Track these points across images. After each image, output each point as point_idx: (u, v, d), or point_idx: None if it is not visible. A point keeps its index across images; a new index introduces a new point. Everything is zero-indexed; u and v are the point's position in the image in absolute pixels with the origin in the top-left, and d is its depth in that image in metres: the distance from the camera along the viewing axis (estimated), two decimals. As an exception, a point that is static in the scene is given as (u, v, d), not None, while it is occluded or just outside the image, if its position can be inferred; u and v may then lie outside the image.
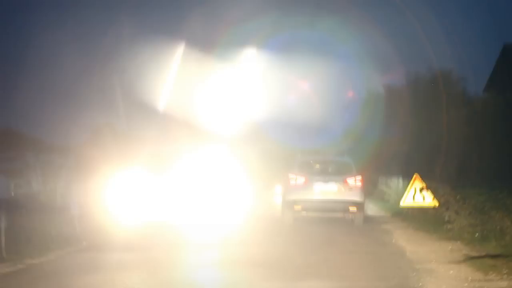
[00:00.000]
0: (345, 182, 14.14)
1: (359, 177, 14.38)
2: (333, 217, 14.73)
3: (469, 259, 8.38)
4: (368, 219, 15.44)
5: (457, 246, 9.73)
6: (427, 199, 14.88)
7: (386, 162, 36.01)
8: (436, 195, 13.94)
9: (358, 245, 10.22)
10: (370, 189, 43.42)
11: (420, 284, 6.73)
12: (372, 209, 20.72)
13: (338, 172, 14.68)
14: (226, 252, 9.31)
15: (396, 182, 29.51)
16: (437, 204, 14.60)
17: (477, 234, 10.07)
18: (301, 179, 14.18)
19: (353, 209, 13.91)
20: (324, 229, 12.65)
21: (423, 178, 15.27)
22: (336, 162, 16.02)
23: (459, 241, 10.15)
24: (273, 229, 13.09)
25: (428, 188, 14.85)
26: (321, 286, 6.67)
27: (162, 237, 10.88)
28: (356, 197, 14.04)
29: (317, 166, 15.39)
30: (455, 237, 10.55)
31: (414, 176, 15.27)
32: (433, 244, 10.10)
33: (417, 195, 15.01)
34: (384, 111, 41.95)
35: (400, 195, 23.45)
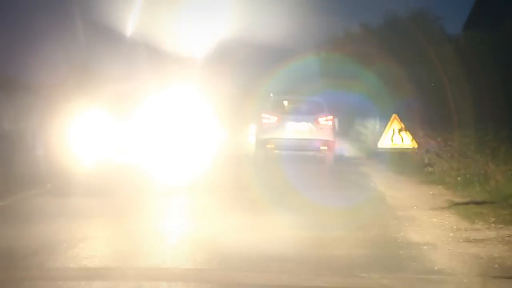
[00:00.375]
0: (316, 121, 14.42)
1: (330, 117, 14.68)
2: (306, 159, 14.31)
3: (453, 205, 7.82)
4: (344, 161, 14.97)
5: (439, 191, 9.20)
6: (406, 141, 14.34)
7: (364, 103, 35.64)
8: (415, 137, 13.38)
9: (335, 188, 9.63)
10: (346, 129, 43.42)
11: (402, 233, 6.12)
12: (348, 150, 20.19)
13: (310, 111, 14.89)
14: (194, 196, 8.64)
15: (373, 123, 29.12)
16: (416, 146, 14.09)
17: (459, 178, 9.53)
18: (273, 118, 14.40)
19: (324, 147, 14.27)
20: (297, 171, 12.03)
21: (402, 119, 14.70)
22: (308, 102, 16.16)
23: (441, 186, 9.61)
24: (245, 170, 12.68)
25: (407, 129, 14.30)
26: (294, 235, 6.00)
27: (127, 181, 10.05)
28: (327, 136, 14.30)
29: (290, 105, 15.67)
30: (436, 181, 10.01)
31: (393, 117, 14.67)
32: (413, 189, 9.56)
33: (396, 136, 14.47)
34: (362, 51, 41.25)
35: (377, 137, 23.08)
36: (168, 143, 12.07)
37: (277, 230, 6.10)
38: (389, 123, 14.70)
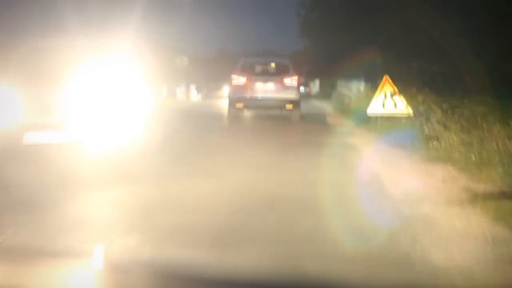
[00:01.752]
0: (282, 81, 15.35)
1: (295, 77, 15.56)
2: (282, 129, 12.59)
3: (474, 197, 5.88)
4: (328, 130, 13.08)
5: (450, 173, 7.25)
6: (399, 107, 12.42)
7: (347, 64, 33.58)
8: (414, 102, 11.43)
9: (318, 169, 7.64)
10: (327, 92, 41.43)
11: (418, 248, 4.21)
12: (331, 115, 18.27)
13: (277, 72, 15.92)
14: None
15: (357, 85, 27.15)
16: (411, 113, 12.18)
17: (473, 156, 7.61)
18: (242, 79, 15.42)
19: (289, 106, 15.19)
20: (273, 145, 10.10)
21: (396, 81, 12.74)
22: (275, 63, 16.86)
23: (450, 165, 7.67)
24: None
25: (400, 93, 12.35)
26: (267, 251, 4.08)
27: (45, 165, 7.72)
28: (292, 95, 15.27)
29: (258, 67, 16.45)
30: (443, 158, 8.06)
31: (384, 78, 12.69)
32: (417, 169, 7.61)
33: (388, 101, 12.53)
34: (342, 8, 39.00)
35: (363, 100, 21.18)
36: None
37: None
38: (380, 85, 12.74)
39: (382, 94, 12.56)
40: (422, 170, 7.55)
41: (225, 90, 34.46)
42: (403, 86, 12.08)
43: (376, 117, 12.78)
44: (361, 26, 33.96)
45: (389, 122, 12.87)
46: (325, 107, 24.82)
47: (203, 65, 59.91)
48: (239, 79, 15.52)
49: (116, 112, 7.33)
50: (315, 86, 57.08)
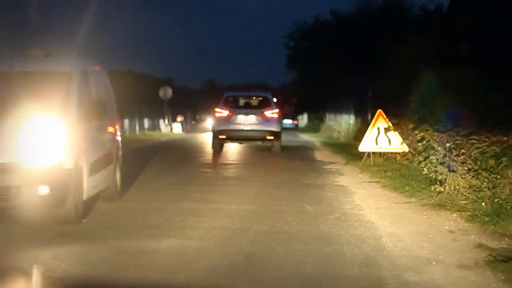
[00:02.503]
0: (263, 114, 15.83)
1: (275, 111, 16.08)
2: (267, 165, 11.54)
3: (494, 260, 4.76)
4: (316, 168, 12.00)
5: (458, 225, 6.15)
6: (394, 143, 11.38)
7: (336, 97, 32.73)
8: (411, 139, 10.38)
9: (303, 220, 6.49)
10: (315, 126, 40.54)
11: None
12: (320, 151, 17.20)
13: (258, 106, 16.63)
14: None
15: (347, 119, 26.22)
16: (406, 150, 11.14)
17: (484, 204, 6.53)
18: (225, 112, 15.90)
19: (270, 137, 15.71)
20: (255, 187, 8.99)
21: (389, 116, 11.74)
22: (256, 97, 17.67)
23: (457, 214, 6.59)
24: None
25: (395, 128, 11.33)
26: None
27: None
28: (273, 127, 15.74)
29: (240, 101, 17.16)
30: (449, 205, 6.98)
31: (377, 113, 11.70)
32: (419, 219, 6.50)
33: (381, 138, 11.51)
34: (333, 40, 38.38)
35: (353, 135, 20.18)
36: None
37: None
38: (373, 121, 11.74)
39: (375, 130, 11.54)
40: (425, 220, 6.45)
41: (209, 122, 33.27)
42: (398, 121, 11.05)
43: (369, 154, 11.73)
44: (351, 58, 33.37)
45: (382, 159, 11.83)
46: (314, 141, 23.76)
47: (191, 97, 59.10)
48: (222, 112, 16.04)
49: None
50: (303, 119, 56.29)
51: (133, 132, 28.03)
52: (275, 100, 17.33)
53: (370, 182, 9.55)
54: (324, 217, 6.56)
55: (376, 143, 11.50)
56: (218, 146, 16.06)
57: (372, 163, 11.40)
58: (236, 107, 16.44)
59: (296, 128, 52.92)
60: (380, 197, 8.09)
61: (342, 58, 34.35)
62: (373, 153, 11.75)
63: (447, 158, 7.59)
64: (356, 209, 7.10)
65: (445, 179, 7.39)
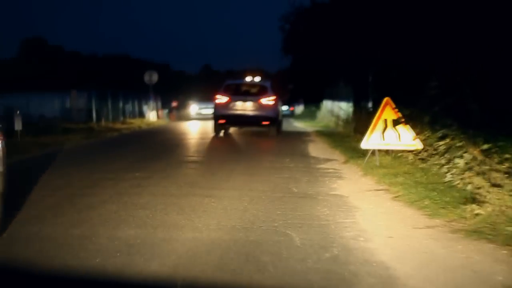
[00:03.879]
0: (259, 101, 17.15)
1: (272, 98, 17.33)
2: (251, 168, 9.38)
3: None
4: (308, 167, 9.90)
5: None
6: (405, 139, 9.31)
7: (334, 82, 30.55)
8: (427, 136, 8.32)
9: (285, 264, 4.42)
10: (312, 112, 38.38)
11: None
12: (315, 143, 15.12)
13: (256, 93, 17.70)
14: None
15: (346, 107, 24.09)
16: (419, 148, 9.09)
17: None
18: (225, 99, 17.33)
19: (266, 123, 17.15)
20: (237, 191, 6.89)
21: (399, 107, 9.67)
22: (254, 85, 18.66)
23: (508, 251, 4.54)
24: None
25: (407, 121, 9.27)
26: None
27: None
28: (269, 113, 17.15)
29: (240, 88, 18.32)
30: (490, 233, 4.91)
31: (384, 101, 9.60)
32: (456, 261, 4.42)
33: (389, 132, 9.43)
34: (330, 21, 36.11)
35: (352, 125, 18.07)
36: None
37: None
38: (379, 111, 9.62)
39: (381, 123, 9.44)
40: (464, 262, 4.35)
41: (192, 109, 32.25)
42: (411, 112, 8.98)
43: (374, 151, 9.65)
44: (351, 40, 31.15)
45: (390, 158, 9.74)
46: (309, 131, 21.64)
47: (189, 83, 56.87)
48: (222, 99, 17.47)
49: None
50: (300, 105, 54.13)
51: (116, 120, 25.86)
52: (272, 87, 18.19)
53: (377, 190, 7.44)
54: (315, 255, 4.46)
55: (383, 139, 9.40)
56: (219, 130, 17.81)
57: (378, 163, 9.30)
58: (235, 94, 17.67)
59: (291, 115, 50.78)
60: (392, 216, 5.99)
61: (341, 40, 32.13)
62: (379, 150, 9.65)
63: (486, 166, 5.50)
64: (361, 238, 5.00)
65: (485, 196, 5.30)
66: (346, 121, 20.19)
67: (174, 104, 36.89)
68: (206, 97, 33.64)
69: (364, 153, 10.16)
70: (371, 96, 22.14)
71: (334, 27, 34.29)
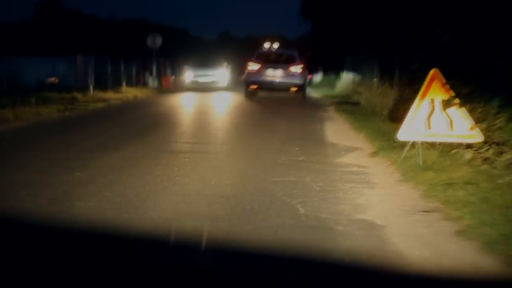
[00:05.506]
0: (288, 69, 18.84)
1: (300, 66, 19.11)
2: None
3: None
4: (326, 162, 7.34)
5: None
6: (460, 127, 6.69)
7: (356, 50, 27.70)
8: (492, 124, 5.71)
9: None
10: (331, 81, 35.59)
11: None
12: (334, 122, 12.55)
13: (285, 61, 19.42)
14: None
15: (370, 78, 21.31)
16: (480, 140, 6.47)
17: None
18: (257, 66, 19.01)
19: (294, 89, 18.88)
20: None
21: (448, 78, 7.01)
22: (284, 53, 20.96)
23: None
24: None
25: (462, 103, 6.63)
26: None
27: None
28: (297, 80, 18.89)
29: (270, 56, 20.46)
30: None
31: (431, 74, 6.93)
32: None
33: (437, 117, 6.81)
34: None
35: (380, 102, 15.38)
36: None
37: None
38: (423, 88, 6.99)
39: (426, 104, 6.81)
40: None
41: (188, 76, 27.31)
42: (470, 90, 6.35)
43: (413, 143, 7.04)
44: (374, 5, 28.19)
45: (437, 153, 7.11)
46: (327, 104, 18.93)
47: (207, 49, 54.16)
48: (254, 66, 19.03)
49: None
50: (318, 73, 51.22)
51: (113, 88, 23.33)
52: (300, 56, 19.98)
53: (427, 212, 4.87)
54: None
55: (428, 126, 6.78)
56: (249, 95, 19.29)
57: (421, 161, 6.67)
58: (266, 62, 19.21)
59: (309, 83, 47.73)
60: (466, 274, 3.44)
61: (365, 2, 29.19)
62: (422, 141, 7.03)
63: None
64: None
65: None
66: (370, 94, 17.45)
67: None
68: (206, 61, 27.74)
69: (397, 140, 7.58)
70: (397, 67, 19.41)
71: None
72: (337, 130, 11.02)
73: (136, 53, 30.37)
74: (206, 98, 20.28)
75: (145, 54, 28.12)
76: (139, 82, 28.74)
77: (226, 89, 25.53)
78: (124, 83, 25.02)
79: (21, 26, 57.37)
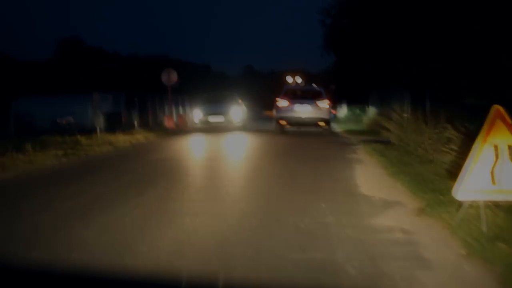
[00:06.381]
0: (315, 104, 20.47)
1: (326, 101, 20.69)
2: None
3: None
4: (359, 227, 5.80)
5: None
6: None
7: (383, 83, 26.28)
8: None
9: None
10: (357, 118, 34.08)
11: None
12: (365, 166, 11.05)
13: (312, 97, 20.95)
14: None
15: (399, 111, 19.76)
16: None
17: None
18: (285, 102, 20.54)
19: (321, 123, 20.56)
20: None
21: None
22: (310, 90, 22.87)
23: None
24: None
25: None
26: None
27: None
28: (324, 115, 20.54)
29: (297, 93, 22.03)
30: None
31: (493, 112, 5.41)
32: None
33: (504, 168, 5.27)
34: (378, 15, 31.74)
35: (411, 135, 13.86)
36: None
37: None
38: (483, 130, 5.47)
39: (489, 151, 5.30)
40: None
41: (196, 115, 23.66)
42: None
43: (476, 205, 5.50)
44: (401, 36, 26.82)
45: (504, 215, 5.55)
46: (355, 143, 17.41)
47: (230, 84, 53.40)
48: (282, 102, 20.38)
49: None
50: (342, 109, 49.77)
51: (126, 129, 22.09)
52: (325, 92, 21.40)
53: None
54: None
55: (493, 181, 5.26)
56: (279, 130, 20.62)
57: (485, 227, 5.13)
58: (294, 98, 20.68)
59: (333, 119, 46.37)
60: None
61: (393, 36, 27.82)
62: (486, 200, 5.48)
63: None
64: None
65: None
66: (401, 130, 15.89)
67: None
68: (217, 97, 24.58)
69: (446, 193, 6.09)
70: (428, 100, 17.93)
71: (384, 21, 29.95)
72: (370, 176, 9.50)
73: (155, 90, 29.30)
74: (219, 141, 18.44)
75: (165, 91, 26.82)
76: (156, 120, 27.60)
77: (242, 129, 23.48)
78: (136, 123, 23.82)
79: (41, 64, 57.33)
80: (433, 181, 8.40)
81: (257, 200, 7.37)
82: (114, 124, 23.74)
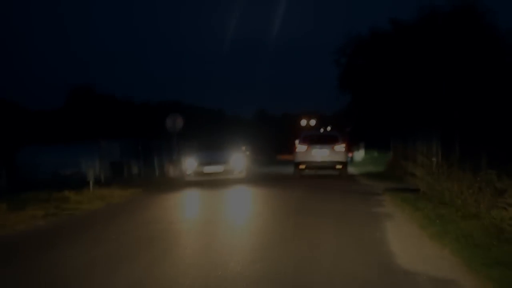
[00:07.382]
0: (333, 148, 21.26)
1: (343, 145, 21.46)
2: None
3: None
4: None
5: None
6: None
7: (405, 122, 24.54)
8: None
9: None
10: (376, 160, 32.18)
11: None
12: (398, 228, 9.10)
13: (329, 142, 21.58)
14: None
15: (427, 154, 17.91)
16: None
17: None
18: (304, 147, 21.44)
19: (339, 166, 21.46)
20: None
21: None
22: (327, 135, 24.82)
23: None
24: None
25: None
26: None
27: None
28: (341, 158, 21.43)
29: (315, 138, 22.36)
30: None
31: None
32: None
33: None
34: (393, 54, 30.17)
35: (445, 184, 11.99)
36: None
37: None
38: None
39: None
40: None
41: (190, 164, 19.06)
42: None
43: None
44: (418, 75, 25.22)
45: None
46: (378, 191, 15.42)
47: (246, 129, 52.15)
48: (301, 148, 21.47)
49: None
50: (360, 150, 47.96)
51: (127, 180, 20.44)
52: (342, 136, 22.25)
53: None
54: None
55: None
56: (298, 174, 21.52)
57: None
58: (312, 143, 21.43)
59: (350, 162, 44.42)
60: None
61: (408, 75, 26.22)
62: None
63: None
64: None
65: None
66: (432, 178, 13.99)
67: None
68: (215, 143, 20.72)
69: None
70: (458, 141, 16.19)
71: (403, 61, 28.34)
72: (406, 239, 7.62)
73: (164, 137, 27.77)
74: (220, 196, 14.97)
75: (176, 138, 24.83)
76: (163, 170, 25.97)
77: (245, 181, 19.26)
78: (138, 173, 22.24)
79: (52, 113, 56.59)
80: (490, 246, 6.55)
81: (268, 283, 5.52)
82: (117, 174, 22.33)
